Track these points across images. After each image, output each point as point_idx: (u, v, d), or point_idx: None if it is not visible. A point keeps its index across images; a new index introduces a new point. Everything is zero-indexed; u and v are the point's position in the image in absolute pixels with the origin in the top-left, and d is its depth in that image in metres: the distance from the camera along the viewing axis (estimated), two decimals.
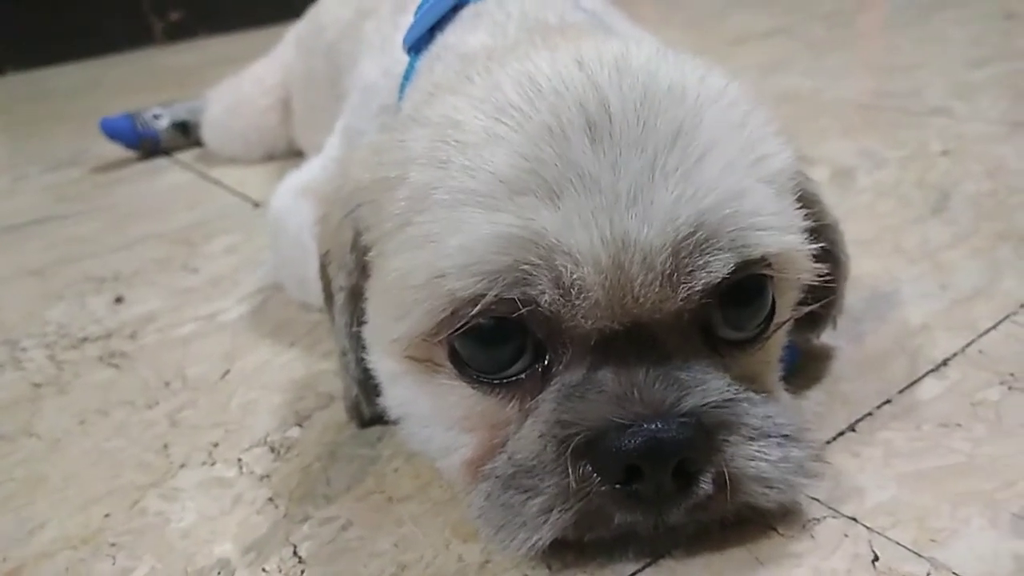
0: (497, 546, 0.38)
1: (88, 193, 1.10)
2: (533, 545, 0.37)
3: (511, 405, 0.40)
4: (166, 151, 1.23)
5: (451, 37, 0.57)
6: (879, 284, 0.62)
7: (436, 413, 0.42)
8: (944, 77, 1.16)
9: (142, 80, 2.03)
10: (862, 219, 0.73)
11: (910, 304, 0.58)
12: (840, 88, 1.16)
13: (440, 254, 0.37)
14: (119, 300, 0.75)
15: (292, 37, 1.12)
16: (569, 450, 0.36)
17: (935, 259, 0.64)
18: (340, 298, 0.46)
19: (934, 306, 0.58)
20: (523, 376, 0.39)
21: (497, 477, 0.38)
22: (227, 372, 0.60)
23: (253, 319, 0.68)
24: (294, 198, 0.67)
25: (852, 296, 0.60)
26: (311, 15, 1.06)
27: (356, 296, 0.46)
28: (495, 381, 0.39)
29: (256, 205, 0.96)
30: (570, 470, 0.36)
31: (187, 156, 1.22)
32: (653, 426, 0.36)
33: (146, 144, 1.22)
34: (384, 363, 0.44)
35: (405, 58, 0.60)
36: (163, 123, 1.23)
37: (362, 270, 0.45)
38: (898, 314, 0.57)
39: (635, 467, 0.36)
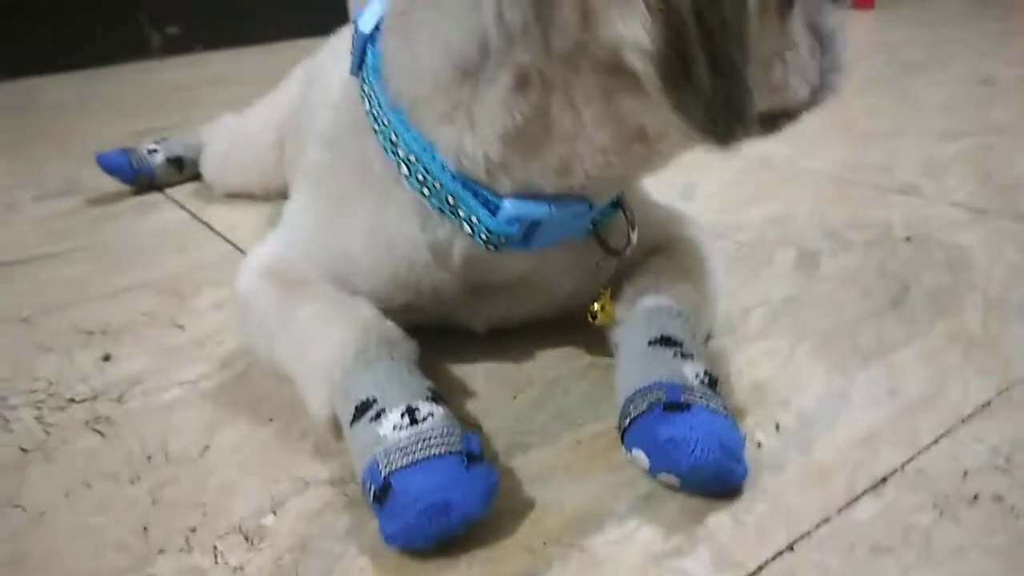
0: None
1: (80, 229, 1.12)
2: None
3: None
4: (159, 187, 1.26)
5: None
6: (832, 385, 0.65)
7: None
8: (917, 150, 1.20)
9: (136, 99, 2.06)
10: (824, 310, 0.77)
11: (859, 410, 0.62)
12: (816, 157, 1.20)
13: None
14: (107, 358, 0.77)
15: (299, 72, 1.15)
16: None
17: (888, 360, 0.68)
18: None
19: (881, 414, 0.61)
20: None
21: None
22: (207, 448, 0.63)
23: (235, 387, 0.71)
24: (257, 280, 0.69)
25: (806, 397, 0.64)
26: (322, 51, 1.09)
27: None
28: None
29: (244, 255, 0.99)
30: None
31: (181, 193, 1.25)
32: None
33: (142, 179, 1.24)
34: None
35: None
36: (158, 159, 1.26)
37: None
38: (847, 420, 0.60)
39: None
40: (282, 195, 1.14)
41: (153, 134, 1.65)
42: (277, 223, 1.04)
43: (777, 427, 0.60)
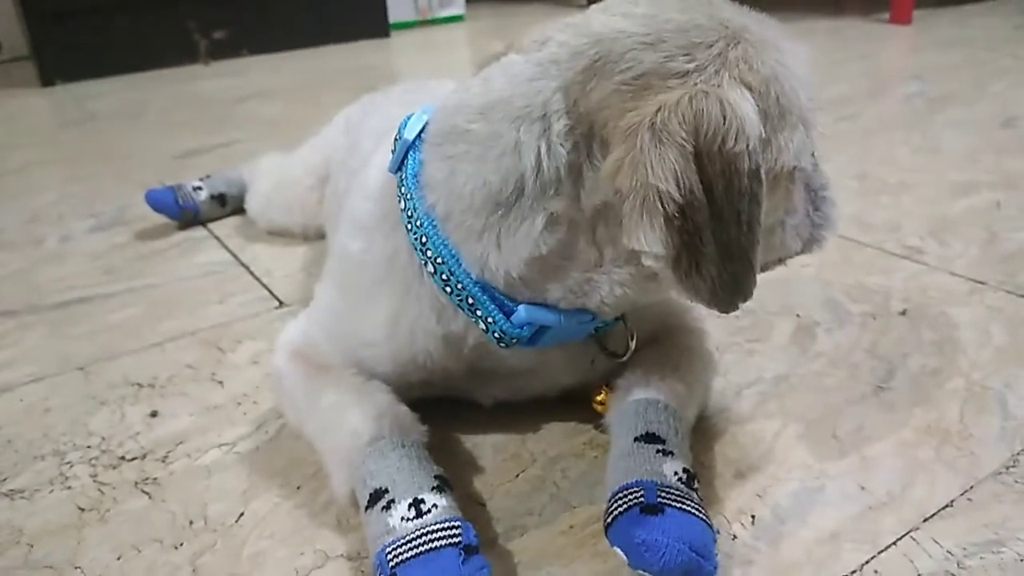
0: None
1: (130, 268, 1.21)
2: None
3: None
4: (203, 222, 1.34)
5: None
6: (807, 478, 0.70)
7: None
8: (928, 206, 1.24)
9: (184, 113, 2.14)
10: (812, 392, 0.82)
11: (829, 506, 0.67)
12: None
13: None
14: (154, 414, 0.85)
15: (341, 118, 1.21)
16: None
17: (863, 452, 0.73)
18: None
19: (849, 511, 0.67)
20: None
21: None
22: (242, 515, 0.71)
23: (268, 451, 0.79)
24: (288, 362, 0.76)
25: (781, 490, 0.69)
26: (365, 99, 1.16)
27: None
28: None
29: (279, 304, 1.07)
30: None
31: (223, 228, 1.33)
32: None
33: (187, 215, 1.33)
34: None
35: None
36: (202, 196, 1.34)
37: None
38: (816, 516, 0.66)
39: None
40: (319, 235, 1.22)
41: (200, 155, 1.75)
42: (310, 268, 1.12)
43: (753, 519, 0.66)
